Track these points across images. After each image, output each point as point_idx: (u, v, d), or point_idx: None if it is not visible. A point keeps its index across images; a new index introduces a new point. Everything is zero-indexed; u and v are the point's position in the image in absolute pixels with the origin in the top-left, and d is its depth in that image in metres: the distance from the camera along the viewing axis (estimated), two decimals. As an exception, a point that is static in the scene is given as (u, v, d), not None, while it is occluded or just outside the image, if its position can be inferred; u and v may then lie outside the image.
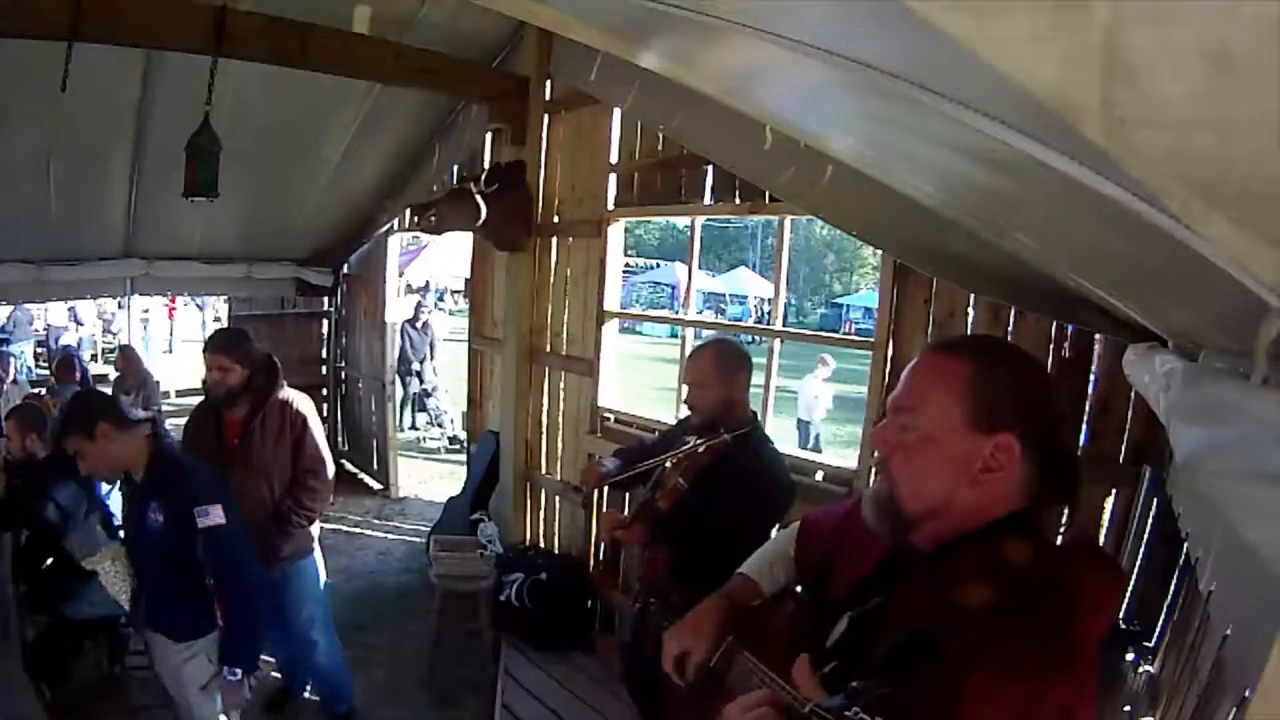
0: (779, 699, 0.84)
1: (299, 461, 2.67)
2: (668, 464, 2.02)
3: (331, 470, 2.77)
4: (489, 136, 4.27)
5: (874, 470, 2.48)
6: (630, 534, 1.96)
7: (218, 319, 11.33)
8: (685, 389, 2.08)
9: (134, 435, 2.06)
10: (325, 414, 6.47)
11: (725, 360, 2.01)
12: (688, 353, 2.38)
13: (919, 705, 0.71)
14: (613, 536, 2.00)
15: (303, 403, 2.75)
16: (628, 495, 2.86)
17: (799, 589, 1.21)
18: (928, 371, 0.92)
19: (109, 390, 5.85)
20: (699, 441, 1.96)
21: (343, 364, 6.39)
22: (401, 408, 8.14)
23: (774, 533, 1.75)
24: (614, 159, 3.55)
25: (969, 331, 2.27)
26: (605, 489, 2.46)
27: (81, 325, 11.52)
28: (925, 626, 0.76)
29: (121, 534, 2.49)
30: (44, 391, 5.11)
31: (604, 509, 3.57)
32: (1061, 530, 1.08)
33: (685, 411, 2.14)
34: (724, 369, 1.99)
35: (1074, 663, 0.77)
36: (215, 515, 1.99)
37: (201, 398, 2.77)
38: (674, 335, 9.10)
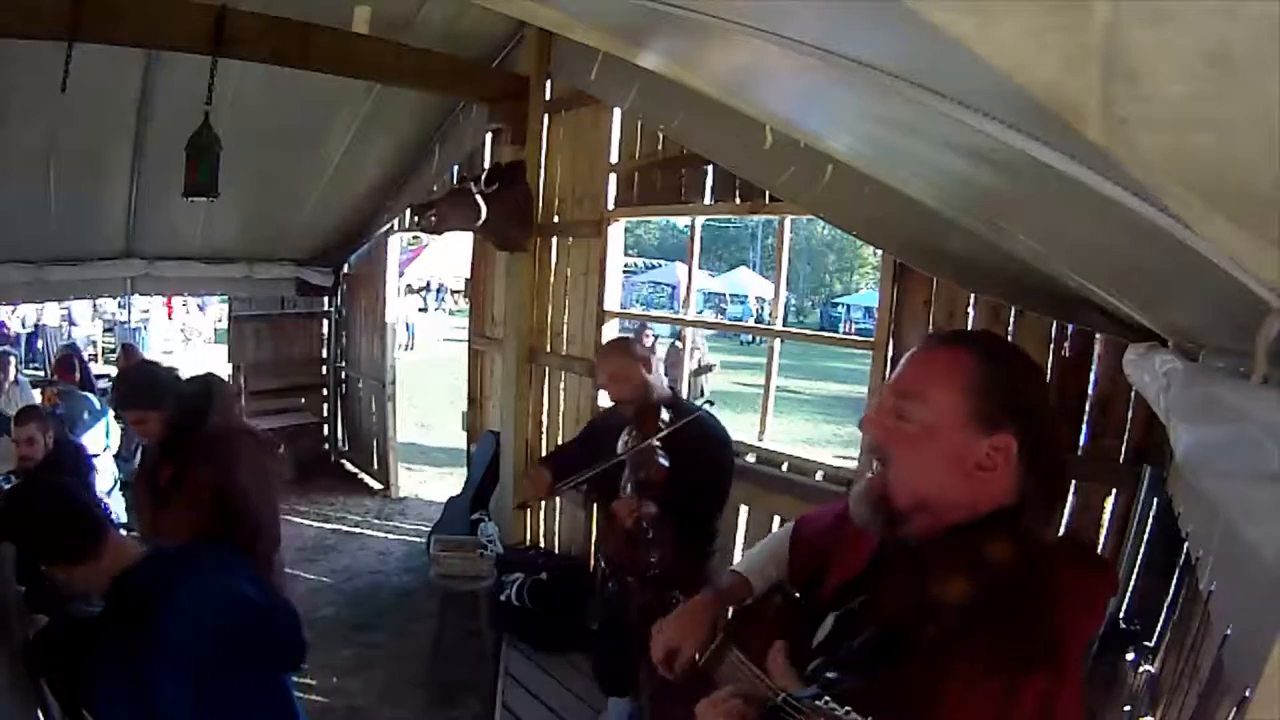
0: (750, 691, 0.83)
1: (226, 524, 1.91)
2: (626, 460, 2.03)
3: (276, 529, 2.09)
4: (489, 136, 4.27)
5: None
6: (646, 509, 1.93)
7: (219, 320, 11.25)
8: (606, 389, 2.24)
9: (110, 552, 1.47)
10: (326, 414, 6.49)
11: (632, 348, 2.25)
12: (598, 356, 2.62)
13: (892, 697, 0.71)
14: (635, 517, 1.93)
15: (241, 440, 2.07)
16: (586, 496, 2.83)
17: (791, 589, 1.21)
18: (934, 361, 0.89)
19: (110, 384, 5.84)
20: (641, 435, 2.03)
21: (343, 364, 6.38)
22: None
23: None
24: (614, 159, 3.55)
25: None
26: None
27: (75, 325, 11.49)
28: (899, 620, 0.75)
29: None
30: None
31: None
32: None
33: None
34: (635, 356, 2.19)
35: (1052, 657, 0.76)
36: None
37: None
38: (674, 335, 9.09)
